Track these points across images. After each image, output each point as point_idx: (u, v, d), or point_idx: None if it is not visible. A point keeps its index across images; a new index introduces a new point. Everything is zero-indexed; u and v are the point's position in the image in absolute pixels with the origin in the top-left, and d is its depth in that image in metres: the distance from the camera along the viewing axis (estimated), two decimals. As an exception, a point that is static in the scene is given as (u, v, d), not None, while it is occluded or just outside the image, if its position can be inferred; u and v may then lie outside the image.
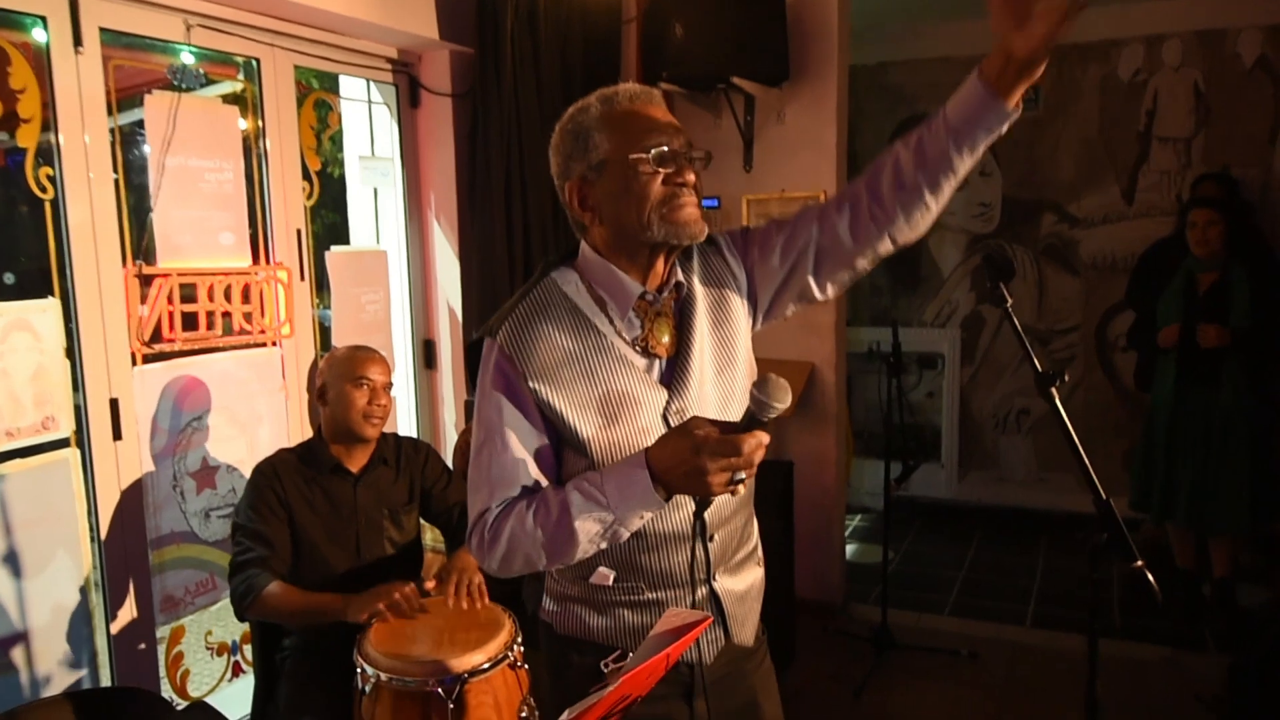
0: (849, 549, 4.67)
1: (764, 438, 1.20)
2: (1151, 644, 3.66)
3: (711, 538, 1.45)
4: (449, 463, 2.86)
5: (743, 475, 1.20)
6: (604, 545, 1.32)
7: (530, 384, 1.36)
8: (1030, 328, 5.22)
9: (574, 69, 3.51)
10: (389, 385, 2.44)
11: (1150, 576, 1.53)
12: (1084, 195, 5.05)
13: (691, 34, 3.48)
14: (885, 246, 1.46)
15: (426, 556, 2.81)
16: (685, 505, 1.41)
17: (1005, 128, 1.32)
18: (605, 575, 1.44)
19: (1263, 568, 4.25)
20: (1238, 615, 3.85)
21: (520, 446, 1.37)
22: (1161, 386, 3.94)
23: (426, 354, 3.57)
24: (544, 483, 1.37)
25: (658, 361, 1.43)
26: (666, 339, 1.44)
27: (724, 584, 1.50)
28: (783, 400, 1.18)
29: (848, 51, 3.90)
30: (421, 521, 2.60)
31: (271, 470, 2.34)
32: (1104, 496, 1.54)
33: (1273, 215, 4.62)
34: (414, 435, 3.49)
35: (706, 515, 1.39)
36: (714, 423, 1.21)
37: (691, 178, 1.38)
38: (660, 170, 1.35)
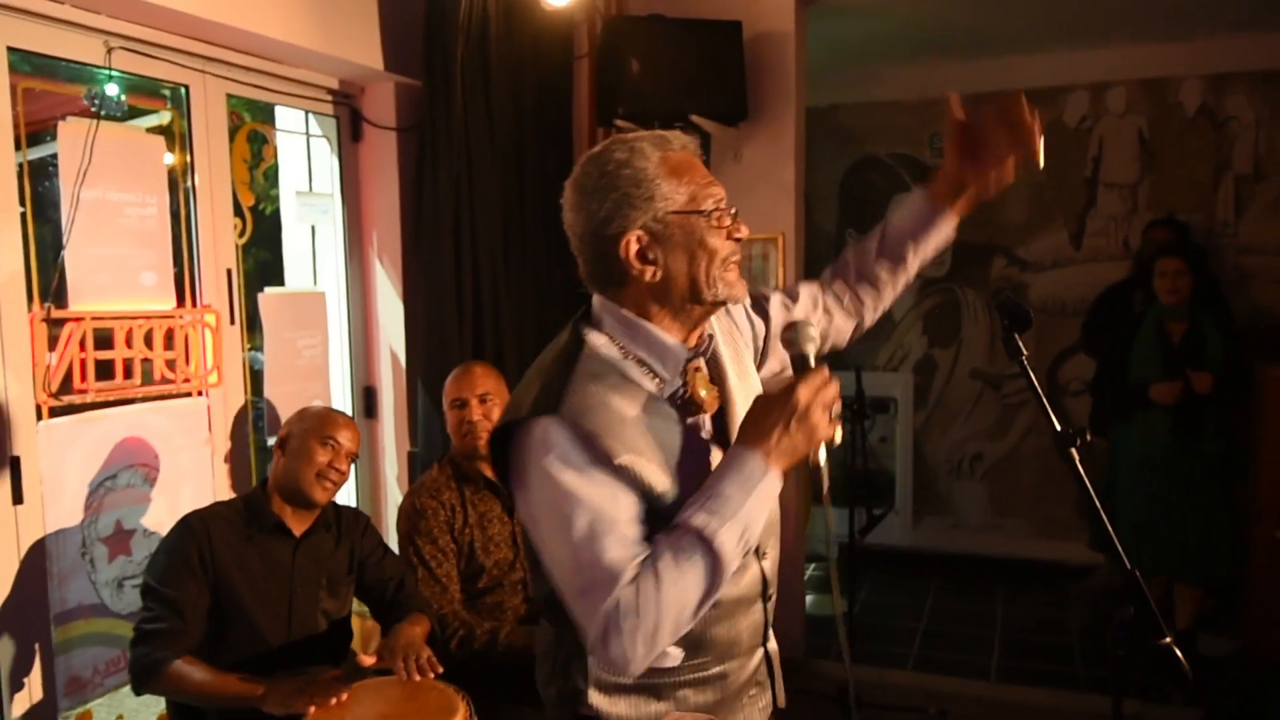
0: (808, 601, 4.53)
1: (825, 370, 1.24)
2: (1123, 697, 3.56)
3: (770, 596, 1.43)
4: (393, 526, 2.64)
5: (838, 409, 1.24)
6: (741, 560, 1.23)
7: (618, 459, 1.22)
8: (982, 371, 5.20)
9: (526, 103, 3.37)
10: (353, 455, 2.29)
11: (1179, 654, 1.41)
12: (1033, 239, 5.07)
13: (648, 71, 3.37)
14: (848, 337, 1.67)
15: (361, 626, 2.60)
16: (752, 566, 1.39)
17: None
18: (674, 656, 1.34)
19: (1221, 616, 4.21)
20: (1201, 665, 3.79)
21: (628, 520, 1.22)
22: (1144, 437, 3.85)
23: (367, 402, 3.34)
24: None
25: (705, 418, 1.36)
26: (705, 394, 1.36)
27: (771, 644, 1.48)
28: (813, 338, 1.27)
29: (805, 91, 3.83)
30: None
31: (201, 525, 2.12)
32: (1130, 567, 1.41)
33: (1218, 259, 4.67)
34: (352, 490, 3.26)
35: (766, 570, 1.41)
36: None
37: (745, 233, 1.34)
38: (724, 226, 1.30)
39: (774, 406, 1.21)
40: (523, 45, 3.33)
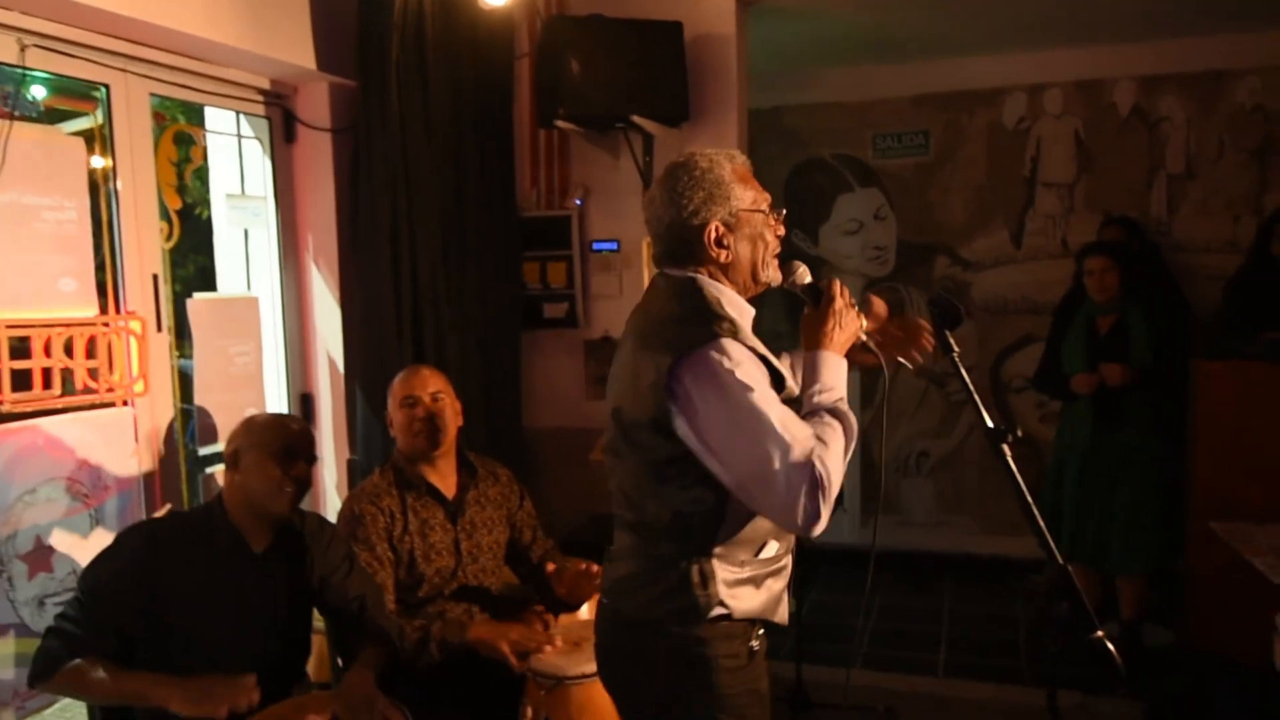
0: (757, 602, 4.51)
1: (836, 281, 1.73)
2: (1064, 690, 3.60)
3: None
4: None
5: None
6: None
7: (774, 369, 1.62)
8: (927, 370, 5.24)
9: (465, 104, 3.33)
10: (313, 458, 2.17)
11: (1111, 647, 1.41)
12: (975, 239, 5.13)
13: (588, 71, 3.35)
14: None
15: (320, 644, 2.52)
16: None
17: None
18: (772, 547, 1.69)
19: (1164, 607, 4.28)
20: (1145, 657, 3.85)
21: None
22: (1071, 430, 3.95)
23: (304, 409, 3.27)
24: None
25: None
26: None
27: None
28: (803, 273, 1.76)
29: (747, 92, 3.83)
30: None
31: (149, 540, 2.01)
32: (1061, 562, 1.42)
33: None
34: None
35: None
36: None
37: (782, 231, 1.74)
38: (774, 223, 1.72)
39: (822, 317, 1.69)
40: (461, 44, 3.28)
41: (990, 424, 1.50)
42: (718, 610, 1.61)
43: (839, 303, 1.70)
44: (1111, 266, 3.81)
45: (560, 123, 3.44)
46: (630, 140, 3.71)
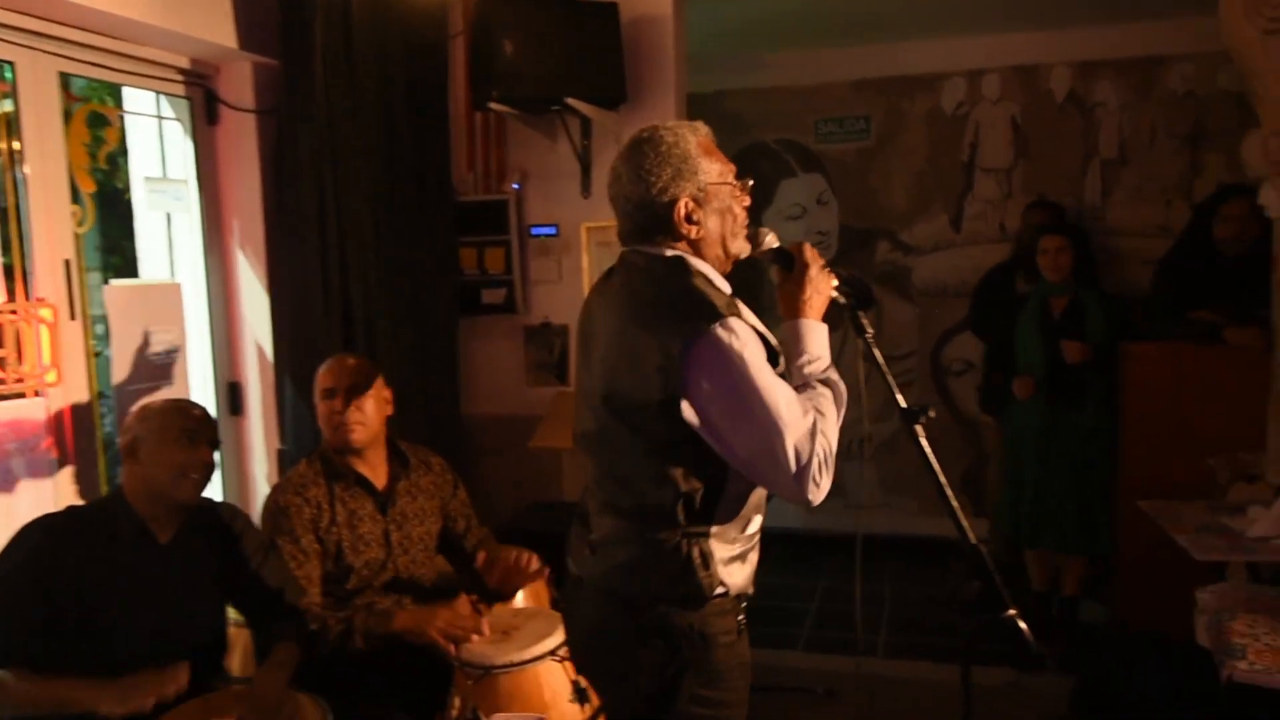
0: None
1: (803, 243, 1.76)
2: (996, 667, 3.65)
3: None
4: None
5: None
6: None
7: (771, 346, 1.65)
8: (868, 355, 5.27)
9: (395, 85, 3.26)
10: (215, 442, 2.11)
11: (1023, 626, 1.42)
12: (915, 224, 5.16)
13: (522, 52, 3.29)
14: None
15: (230, 634, 2.46)
16: None
17: None
18: (757, 521, 1.73)
19: (1099, 584, 4.37)
20: (1082, 633, 3.93)
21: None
22: (1024, 413, 3.97)
23: (232, 398, 3.19)
24: None
25: None
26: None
27: None
28: (771, 238, 1.76)
29: (685, 75, 3.80)
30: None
31: (47, 535, 1.94)
32: (973, 542, 1.42)
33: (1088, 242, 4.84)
34: (218, 491, 3.11)
35: None
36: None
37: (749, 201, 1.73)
38: (740, 195, 1.70)
39: (799, 284, 1.72)
40: (390, 23, 3.21)
41: (903, 404, 1.50)
42: (718, 590, 1.65)
43: (813, 268, 1.72)
44: (1066, 246, 3.85)
45: (494, 105, 3.38)
46: (567, 123, 3.67)
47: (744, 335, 1.55)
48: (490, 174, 3.85)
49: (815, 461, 1.53)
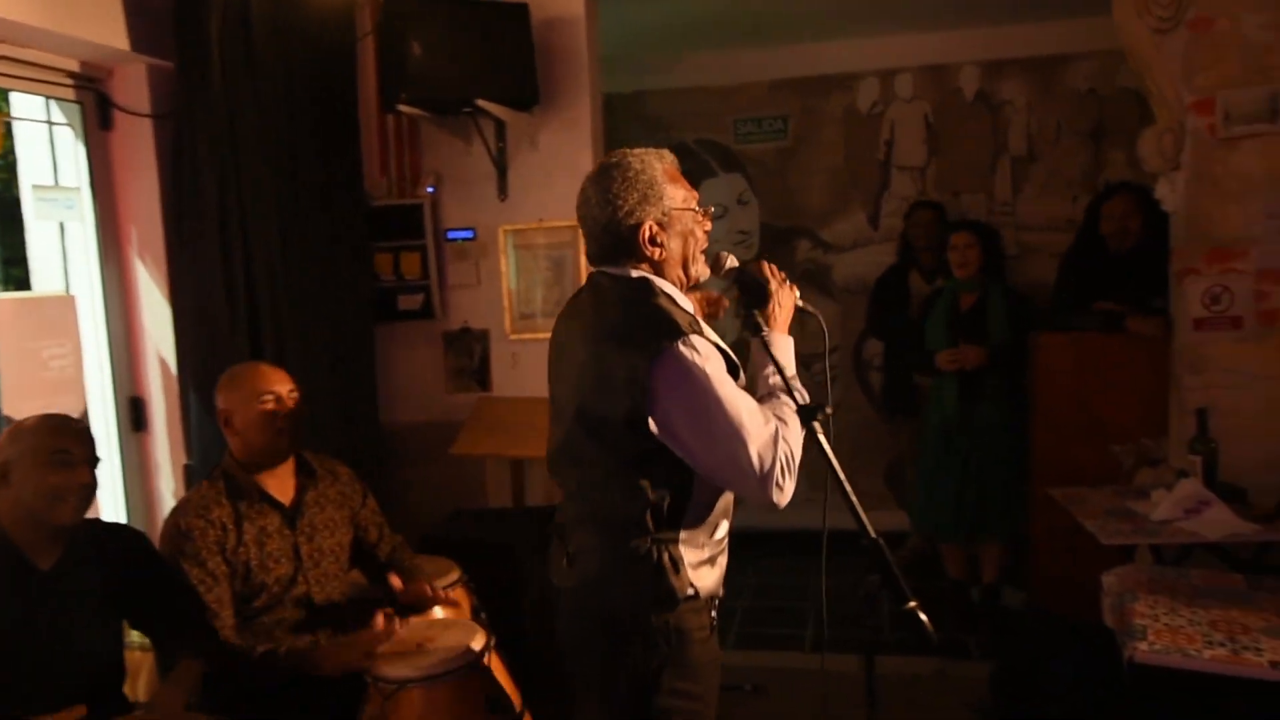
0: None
1: (763, 262, 1.88)
2: (921, 656, 3.72)
3: None
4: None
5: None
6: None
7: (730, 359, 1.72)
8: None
9: (301, 86, 3.17)
10: (94, 459, 2.00)
11: (924, 617, 1.44)
12: (834, 222, 5.23)
13: (431, 53, 3.24)
14: None
15: (135, 657, 2.37)
16: None
17: None
18: (724, 527, 1.84)
19: (1017, 570, 4.47)
20: (1004, 619, 4.02)
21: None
22: (938, 405, 4.07)
23: (134, 414, 3.07)
24: None
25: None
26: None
27: None
28: (731, 260, 1.86)
29: (599, 76, 3.79)
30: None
31: None
32: (873, 536, 1.43)
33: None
34: (121, 511, 2.99)
35: None
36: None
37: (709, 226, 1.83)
38: (702, 220, 1.80)
39: (762, 296, 1.81)
40: (293, 22, 3.13)
41: (801, 402, 1.51)
42: (689, 592, 1.74)
43: (773, 283, 1.83)
44: (974, 243, 3.94)
45: (404, 107, 3.33)
46: (481, 125, 3.62)
47: (705, 351, 1.65)
48: (404, 177, 3.78)
49: (778, 466, 1.63)
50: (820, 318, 1.95)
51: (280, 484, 2.45)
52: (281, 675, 2.20)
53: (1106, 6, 3.38)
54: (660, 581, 1.72)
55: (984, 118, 5.00)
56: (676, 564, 1.73)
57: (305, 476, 2.50)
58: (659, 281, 1.75)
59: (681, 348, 1.62)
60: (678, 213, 1.76)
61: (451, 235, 3.80)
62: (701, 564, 1.78)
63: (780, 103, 5.22)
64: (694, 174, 5.31)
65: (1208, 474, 2.93)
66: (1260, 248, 3.15)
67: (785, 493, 1.66)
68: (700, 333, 1.69)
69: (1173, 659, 2.00)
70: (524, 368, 3.79)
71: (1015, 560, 4.45)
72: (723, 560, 1.86)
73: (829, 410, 1.52)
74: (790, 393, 1.74)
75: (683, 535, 1.74)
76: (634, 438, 1.66)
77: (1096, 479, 3.35)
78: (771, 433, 1.65)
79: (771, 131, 5.24)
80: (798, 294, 1.90)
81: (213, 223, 2.85)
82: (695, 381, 1.62)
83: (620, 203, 1.72)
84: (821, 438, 1.52)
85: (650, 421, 1.64)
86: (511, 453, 3.64)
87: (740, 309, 1.83)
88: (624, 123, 5.31)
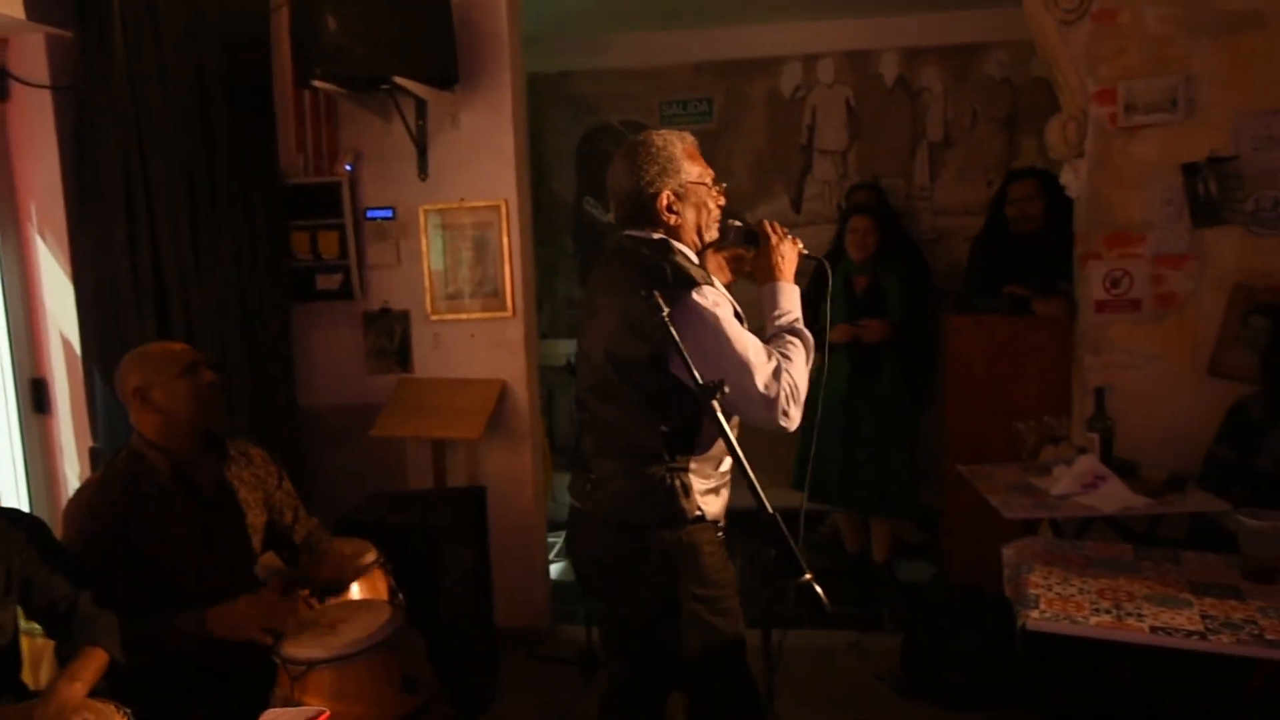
0: (554, 569, 4.54)
1: (764, 220, 2.16)
2: (834, 630, 3.81)
3: None
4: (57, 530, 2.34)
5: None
6: None
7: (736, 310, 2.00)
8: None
9: (211, 61, 3.09)
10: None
11: (819, 589, 1.48)
12: (758, 204, 5.29)
13: (346, 28, 3.18)
14: None
15: (31, 646, 2.31)
16: None
17: None
18: (727, 463, 2.07)
19: (925, 544, 4.61)
20: (903, 591, 4.14)
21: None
22: (831, 383, 4.15)
23: (36, 396, 2.97)
24: None
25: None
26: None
27: None
28: (737, 224, 2.12)
29: (520, 56, 3.76)
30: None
31: None
32: (770, 511, 1.47)
33: (916, 221, 5.08)
34: (23, 495, 2.90)
35: None
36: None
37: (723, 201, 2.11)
38: (715, 194, 2.08)
39: (768, 255, 2.08)
40: (200, -6, 3.04)
41: (699, 381, 1.54)
42: (696, 513, 2.01)
43: (774, 238, 2.07)
44: (872, 228, 4.03)
45: (319, 82, 3.26)
46: (400, 103, 3.57)
47: (716, 298, 1.92)
48: (321, 155, 3.71)
49: (783, 394, 1.89)
50: (827, 264, 2.23)
51: (193, 465, 2.40)
52: (182, 645, 2.16)
53: (1018, -3, 3.48)
54: (672, 503, 1.98)
55: (904, 104, 5.10)
56: (687, 489, 2.00)
57: (216, 458, 2.46)
58: (676, 243, 2.02)
59: (695, 296, 1.88)
60: (693, 186, 2.02)
61: (371, 214, 3.75)
62: (708, 491, 2.05)
63: (705, 85, 5.25)
64: (620, 155, 5.33)
65: (1105, 450, 3.06)
66: (1157, 233, 3.29)
67: (791, 418, 1.91)
68: (711, 284, 1.96)
69: (1061, 626, 2.09)
70: (446, 348, 3.77)
71: (929, 536, 4.60)
72: (725, 492, 2.11)
73: (727, 389, 1.55)
74: (796, 333, 2.00)
75: (693, 465, 2.00)
76: (655, 375, 1.92)
77: (1005, 456, 3.48)
78: (775, 366, 1.90)
79: (697, 114, 5.26)
80: (800, 245, 2.13)
81: (116, 199, 2.77)
82: (707, 323, 1.88)
83: (643, 174, 2.00)
84: (720, 416, 1.55)
85: (671, 359, 1.87)
86: (433, 434, 3.63)
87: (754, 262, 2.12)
88: (548, 103, 5.28)
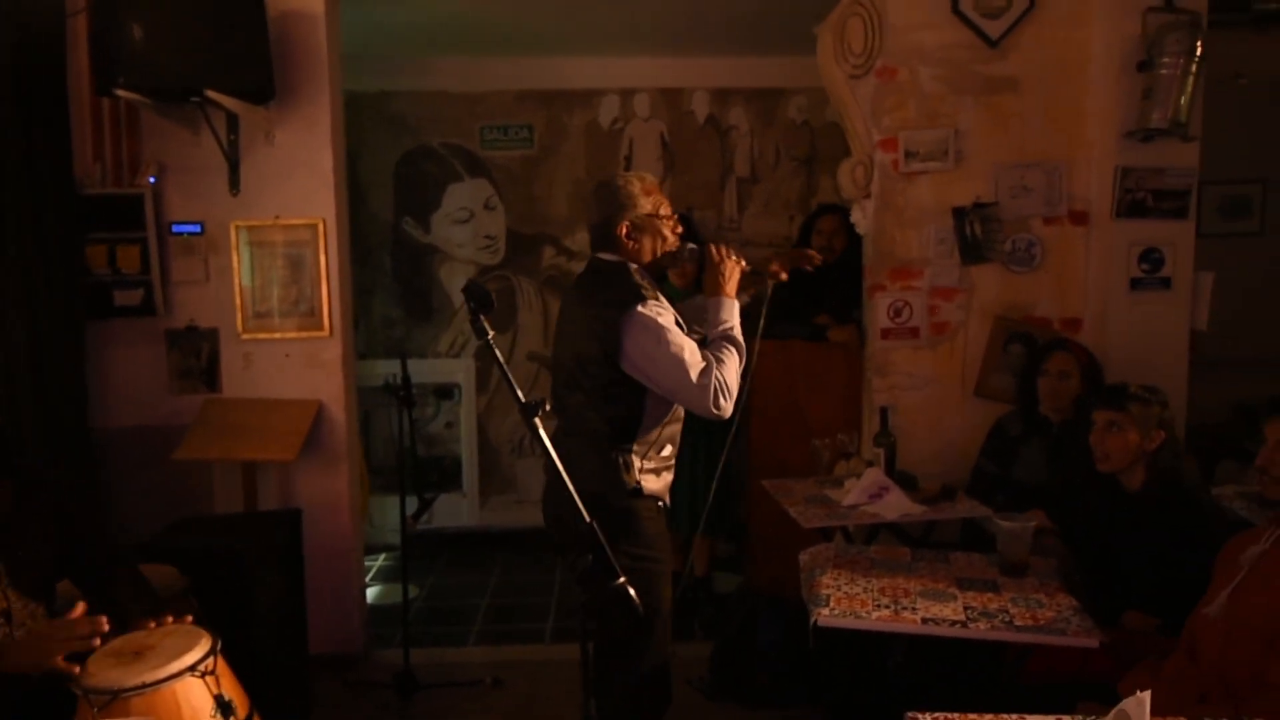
0: (371, 592, 4.47)
1: (709, 243, 2.53)
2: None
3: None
4: None
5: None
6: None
7: (675, 318, 2.40)
8: (539, 354, 5.48)
9: (2, 66, 2.91)
10: None
11: (632, 592, 1.60)
12: (577, 231, 5.43)
13: (154, 37, 3.08)
14: None
15: None
16: None
17: None
18: (669, 449, 2.52)
19: (734, 556, 4.87)
20: (715, 602, 4.37)
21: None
22: None
23: None
24: None
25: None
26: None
27: None
28: (690, 248, 2.54)
29: (340, 74, 3.74)
30: None
31: None
32: (588, 520, 1.58)
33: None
34: None
35: None
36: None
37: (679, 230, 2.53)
38: (670, 225, 2.49)
39: (713, 274, 2.47)
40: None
41: (522, 399, 1.63)
42: (635, 486, 2.42)
43: (715, 259, 2.47)
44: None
45: (121, 91, 3.13)
46: (211, 116, 3.47)
47: (659, 309, 2.34)
48: (121, 165, 3.55)
49: (714, 387, 2.29)
50: (767, 279, 2.76)
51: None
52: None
53: (814, 48, 3.80)
54: (617, 476, 2.41)
55: (714, 140, 5.41)
56: (629, 466, 2.42)
57: (5, 485, 2.31)
58: (633, 265, 2.43)
59: (642, 308, 2.32)
60: (648, 218, 2.44)
61: (177, 229, 3.61)
62: (648, 471, 2.46)
63: (526, 112, 5.36)
64: (439, 177, 5.36)
65: (888, 464, 3.39)
66: (933, 268, 3.67)
67: (724, 409, 2.31)
68: (657, 299, 2.37)
69: (847, 621, 2.31)
70: (258, 368, 3.67)
71: (736, 548, 4.86)
72: (667, 475, 2.53)
73: (548, 406, 1.65)
74: (731, 341, 2.40)
75: (635, 447, 2.43)
76: (608, 370, 2.35)
77: (803, 471, 3.75)
78: (706, 365, 2.31)
79: (518, 140, 5.37)
80: (744, 263, 2.51)
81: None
82: (651, 330, 2.31)
83: (606, 208, 2.44)
84: (541, 432, 1.64)
85: (621, 360, 2.32)
86: (244, 456, 3.52)
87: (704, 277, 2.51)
88: (368, 122, 5.24)
